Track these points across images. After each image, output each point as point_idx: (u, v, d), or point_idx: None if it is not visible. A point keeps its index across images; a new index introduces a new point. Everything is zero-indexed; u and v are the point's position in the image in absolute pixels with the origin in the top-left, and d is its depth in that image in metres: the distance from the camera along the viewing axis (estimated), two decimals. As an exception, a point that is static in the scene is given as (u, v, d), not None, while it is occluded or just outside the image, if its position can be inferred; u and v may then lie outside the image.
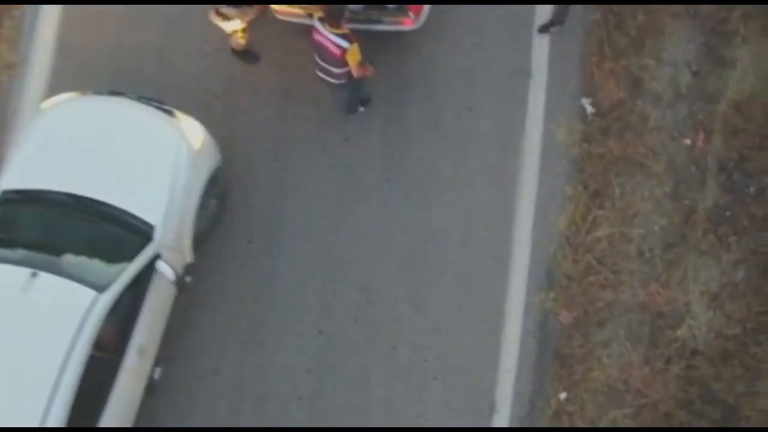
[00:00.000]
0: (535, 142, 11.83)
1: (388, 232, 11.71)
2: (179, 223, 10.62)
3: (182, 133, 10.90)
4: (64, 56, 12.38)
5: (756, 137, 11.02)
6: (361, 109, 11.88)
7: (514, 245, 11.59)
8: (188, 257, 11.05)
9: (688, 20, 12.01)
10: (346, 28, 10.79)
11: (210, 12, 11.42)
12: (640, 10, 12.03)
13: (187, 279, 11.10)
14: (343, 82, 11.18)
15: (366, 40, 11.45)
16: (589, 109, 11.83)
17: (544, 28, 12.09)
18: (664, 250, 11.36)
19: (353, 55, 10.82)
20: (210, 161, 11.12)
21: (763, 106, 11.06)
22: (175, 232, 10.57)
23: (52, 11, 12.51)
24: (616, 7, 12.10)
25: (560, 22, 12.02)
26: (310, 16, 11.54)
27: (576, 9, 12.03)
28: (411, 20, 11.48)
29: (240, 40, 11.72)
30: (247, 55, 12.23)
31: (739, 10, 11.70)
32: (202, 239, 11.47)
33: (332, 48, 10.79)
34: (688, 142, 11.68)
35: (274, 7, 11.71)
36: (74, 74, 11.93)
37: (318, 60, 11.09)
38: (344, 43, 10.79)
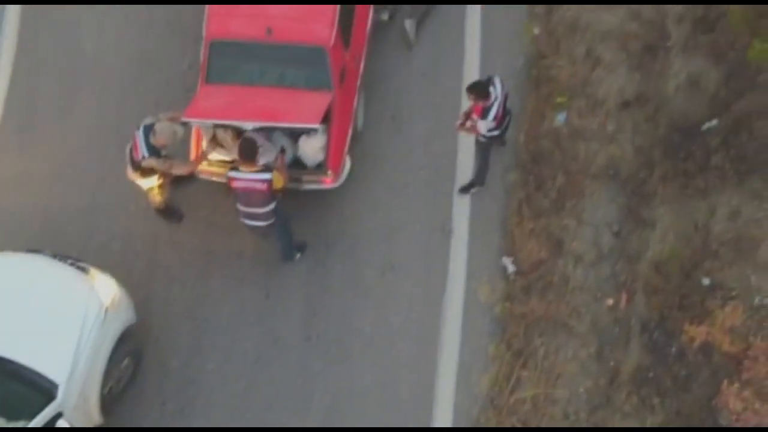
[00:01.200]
0: (456, 300, 11.45)
1: (307, 392, 11.12)
2: (85, 382, 10.10)
3: (93, 290, 10.42)
4: None
5: (675, 296, 10.79)
6: (298, 255, 11.35)
7: (436, 407, 10.95)
8: (96, 418, 10.45)
9: (608, 181, 11.87)
10: (260, 163, 10.40)
11: (127, 168, 11.30)
12: (559, 171, 12.00)
13: (98, 444, 10.50)
14: (271, 221, 10.68)
15: (289, 201, 11.34)
16: (511, 269, 11.60)
17: (464, 189, 11.92)
18: (590, 413, 10.83)
19: (278, 180, 10.37)
20: (122, 319, 10.63)
21: (680, 266, 10.90)
22: (80, 390, 10.03)
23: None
24: (536, 169, 11.98)
25: (480, 183, 11.91)
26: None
27: (496, 170, 11.93)
28: (330, 179, 11.38)
29: (157, 198, 11.46)
30: (169, 213, 11.94)
31: (658, 170, 11.72)
32: (113, 400, 10.91)
33: (258, 186, 10.30)
34: (610, 302, 11.34)
35: (199, 169, 11.59)
36: (-3, 233, 11.59)
37: (242, 208, 10.57)
38: (266, 176, 10.35)
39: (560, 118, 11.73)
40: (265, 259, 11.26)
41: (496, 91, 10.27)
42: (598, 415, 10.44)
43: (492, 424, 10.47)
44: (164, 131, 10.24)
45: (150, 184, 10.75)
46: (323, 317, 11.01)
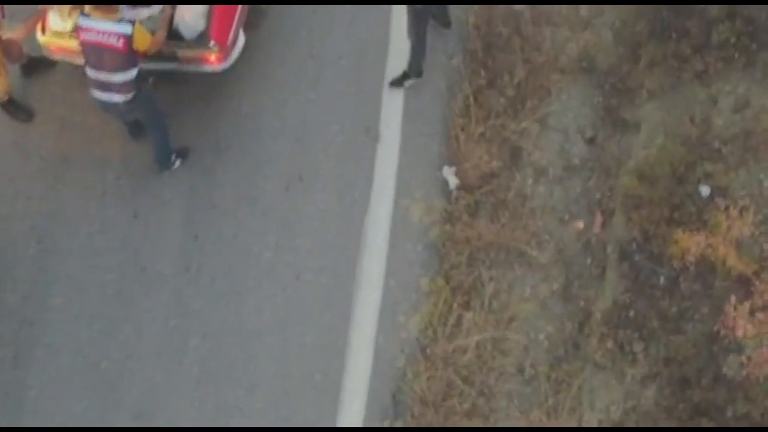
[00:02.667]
0: (382, 221, 8.82)
1: (181, 336, 8.51)
2: None
3: None
4: None
5: (664, 209, 8.18)
6: (177, 162, 8.83)
7: (350, 355, 8.40)
8: None
9: (580, 76, 9.28)
10: (120, 11, 7.88)
11: None
12: (519, 63, 9.37)
13: None
14: (131, 98, 8.17)
15: (167, 91, 8.67)
16: (453, 182, 8.95)
17: (396, 82, 9.30)
18: (552, 367, 8.23)
19: (143, 38, 7.95)
20: None
21: (671, 170, 8.28)
22: None
23: None
24: (489, 59, 9.36)
25: (416, 74, 9.28)
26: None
27: (439, 59, 9.34)
28: (215, 56, 8.66)
29: None
30: (15, 108, 9.28)
31: (644, 59, 9.10)
32: None
33: (112, 42, 7.85)
34: (581, 225, 8.76)
35: (43, 41, 8.88)
36: None
37: (92, 73, 8.08)
38: (125, 28, 7.86)
39: None
40: (135, 170, 8.72)
41: None
42: (562, 367, 7.93)
43: (423, 378, 7.86)
44: None
45: None
46: (207, 241, 8.39)
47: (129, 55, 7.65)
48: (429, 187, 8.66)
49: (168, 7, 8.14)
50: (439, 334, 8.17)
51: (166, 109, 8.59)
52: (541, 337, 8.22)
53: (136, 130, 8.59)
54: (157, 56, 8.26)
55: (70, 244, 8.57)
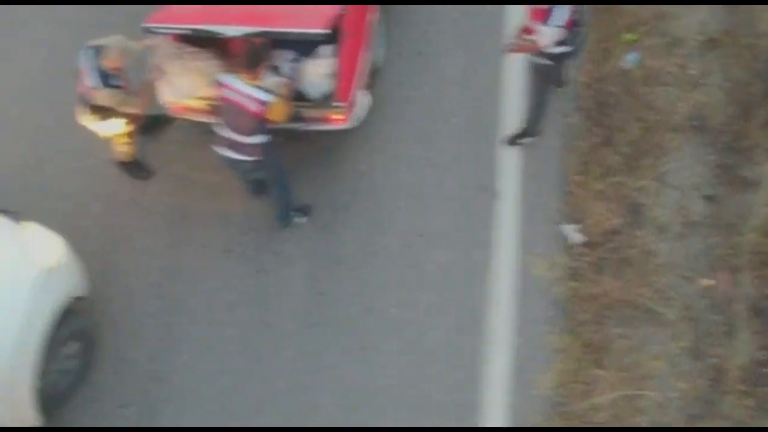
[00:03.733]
0: (505, 277, 8.84)
1: (311, 393, 8.47)
2: (13, 364, 7.38)
3: (26, 245, 7.84)
4: None
5: None
6: (300, 219, 8.87)
7: (483, 413, 8.35)
8: (29, 418, 7.68)
9: (693, 135, 9.40)
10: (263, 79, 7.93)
11: (84, 114, 8.66)
12: (632, 122, 9.49)
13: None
14: (258, 160, 8.16)
15: (290, 150, 8.74)
16: (576, 239, 8.99)
17: (512, 140, 9.42)
18: (688, 422, 8.26)
19: (278, 110, 7.95)
20: (68, 286, 7.96)
21: None
22: (7, 375, 7.31)
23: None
24: (603, 118, 9.49)
25: (533, 133, 9.40)
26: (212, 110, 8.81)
27: (553, 117, 9.49)
28: (340, 115, 8.77)
29: (124, 148, 8.90)
30: (137, 168, 9.35)
31: (757, 117, 9.22)
32: (57, 398, 8.16)
33: (251, 106, 7.85)
34: (706, 282, 8.84)
35: (165, 100, 8.99)
36: None
37: (223, 133, 8.05)
38: (266, 96, 7.88)
39: (631, 58, 9.30)
40: (257, 226, 8.68)
41: None
42: (699, 424, 7.69)
43: None
44: (113, 46, 7.67)
45: (114, 129, 8.10)
46: (331, 298, 8.36)
47: (263, 122, 7.72)
48: (550, 244, 8.69)
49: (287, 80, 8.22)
50: (573, 392, 8.08)
51: (288, 167, 8.61)
52: (675, 395, 8.16)
53: (257, 188, 8.64)
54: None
55: (194, 301, 8.54)
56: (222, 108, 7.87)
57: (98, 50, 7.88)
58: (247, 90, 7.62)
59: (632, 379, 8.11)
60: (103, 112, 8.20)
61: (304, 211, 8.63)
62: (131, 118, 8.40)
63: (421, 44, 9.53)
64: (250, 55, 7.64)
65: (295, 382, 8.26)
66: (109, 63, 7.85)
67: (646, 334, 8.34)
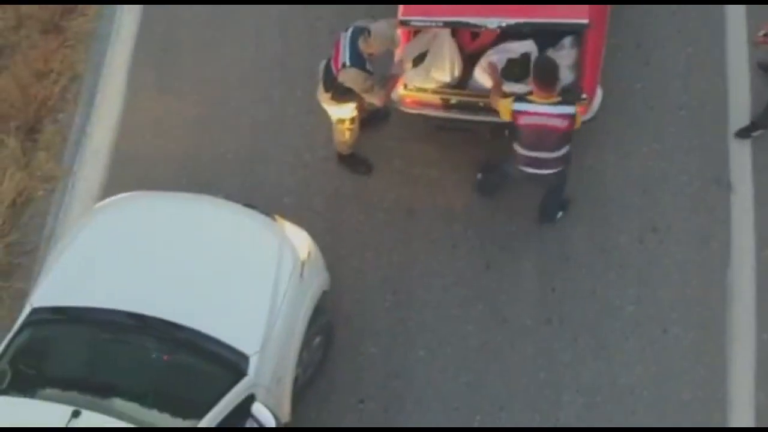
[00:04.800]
0: (746, 272, 8.67)
1: (553, 391, 8.40)
2: (280, 357, 7.41)
3: (286, 239, 7.88)
4: (120, 168, 9.58)
5: None
6: (560, 214, 8.81)
7: (731, 411, 8.24)
8: (286, 412, 7.74)
9: None
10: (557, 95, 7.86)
11: (319, 89, 8.68)
12: None
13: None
14: (561, 169, 8.18)
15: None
16: None
17: (743, 133, 9.27)
18: None
19: (579, 118, 7.95)
20: (319, 279, 8.00)
21: None
22: (273, 368, 7.31)
23: (108, 114, 9.85)
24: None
25: (764, 126, 9.24)
26: (448, 103, 8.80)
27: (784, 109, 9.25)
28: (582, 109, 8.67)
29: (345, 135, 8.86)
30: (356, 162, 9.35)
31: None
32: (297, 393, 8.23)
33: (557, 124, 7.79)
34: None
35: (401, 94, 8.97)
36: (132, 191, 9.01)
37: (525, 152, 8.03)
38: (569, 110, 7.81)
39: None
40: (480, 221, 8.66)
41: None
42: None
43: None
44: (381, 33, 7.65)
45: (343, 113, 8.14)
46: (565, 294, 8.26)
47: (568, 133, 7.67)
48: (789, 237, 8.45)
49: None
50: (822, 390, 7.88)
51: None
52: None
53: (490, 187, 8.54)
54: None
55: (426, 295, 8.51)
56: (525, 133, 7.83)
57: (362, 31, 7.81)
58: (551, 110, 7.64)
59: None
60: (342, 94, 8.12)
61: (564, 206, 8.50)
62: (361, 105, 8.34)
63: (640, 36, 9.38)
64: (545, 72, 7.59)
65: (536, 379, 8.16)
66: (370, 48, 7.79)
67: None
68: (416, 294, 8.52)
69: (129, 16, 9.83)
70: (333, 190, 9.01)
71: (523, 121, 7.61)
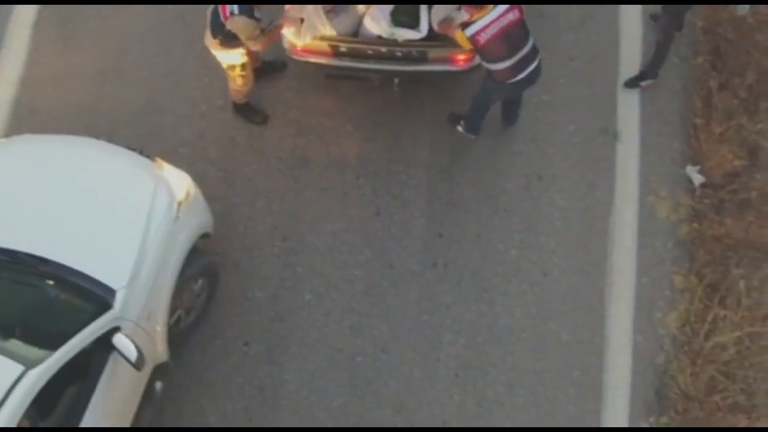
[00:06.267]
0: (628, 218, 8.78)
1: (434, 333, 8.48)
2: (150, 294, 7.44)
3: (162, 179, 7.91)
4: (19, 121, 9.55)
5: None
6: (459, 128, 8.88)
7: (608, 352, 8.32)
8: (161, 353, 7.74)
9: (815, 80, 9.28)
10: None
11: (206, 34, 8.70)
12: (749, 66, 9.36)
13: (158, 386, 7.81)
14: (539, 59, 8.37)
15: (405, 89, 8.75)
16: (698, 180, 8.91)
17: (632, 82, 9.32)
18: None
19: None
20: (198, 221, 7.98)
21: None
22: (144, 303, 7.37)
23: (11, 69, 9.83)
24: (718, 63, 9.42)
25: (653, 75, 9.31)
26: (337, 51, 8.82)
27: (671, 61, 9.38)
28: (466, 57, 8.69)
29: (238, 81, 8.88)
30: (252, 112, 9.34)
31: None
32: (181, 335, 8.24)
33: (513, 18, 7.93)
34: None
35: (291, 42, 8.99)
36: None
37: (511, 62, 8.06)
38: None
39: (743, 5, 9.04)
40: (373, 170, 8.73)
41: None
42: None
43: (685, 375, 7.65)
44: None
45: (232, 59, 8.19)
46: (451, 239, 8.34)
47: (524, 22, 7.77)
48: (673, 186, 8.61)
49: None
50: (698, 331, 8.03)
51: (406, 112, 8.60)
52: (798, 333, 8.01)
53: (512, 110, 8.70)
54: (406, 58, 8.28)
55: (316, 242, 8.56)
56: (495, 45, 7.85)
57: None
58: (498, 12, 7.76)
59: (756, 318, 8.05)
60: (231, 39, 8.14)
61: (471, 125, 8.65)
62: (250, 53, 8.36)
63: (534, -10, 9.43)
64: None
65: (418, 321, 8.22)
66: None
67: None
68: (306, 240, 8.55)
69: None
70: (228, 139, 9.02)
71: (484, 38, 7.70)
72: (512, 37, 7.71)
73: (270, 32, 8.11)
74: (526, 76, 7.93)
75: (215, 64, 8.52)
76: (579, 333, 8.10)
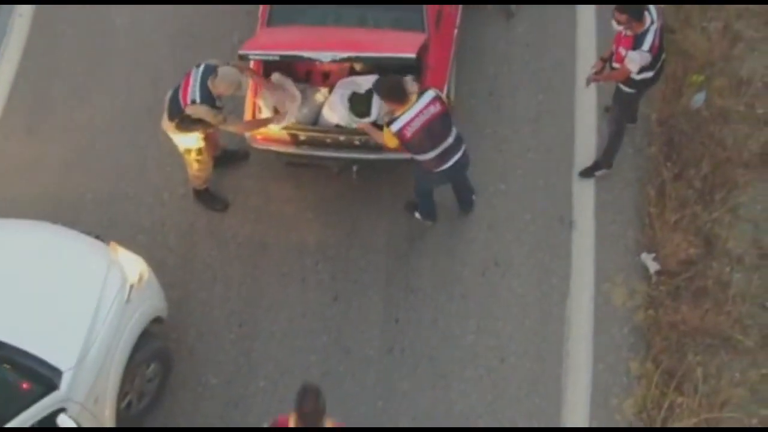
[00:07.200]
0: (584, 305, 8.77)
1: (390, 420, 8.32)
2: (98, 376, 7.33)
3: (114, 263, 7.87)
4: None
5: None
6: (417, 215, 8.96)
7: (564, 439, 8.22)
8: None
9: (765, 171, 9.47)
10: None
11: (163, 118, 8.81)
12: (704, 158, 9.49)
13: (106, 472, 7.63)
14: (464, 147, 8.61)
15: (363, 176, 8.83)
16: (653, 267, 8.94)
17: (587, 172, 9.44)
18: None
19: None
20: (150, 305, 7.89)
21: None
22: (91, 385, 7.26)
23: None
24: (674, 154, 9.56)
25: (608, 165, 9.44)
26: (297, 140, 8.95)
27: (625, 151, 9.53)
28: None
29: (194, 165, 8.96)
30: (212, 199, 9.39)
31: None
32: (131, 421, 8.10)
33: (435, 110, 8.15)
34: None
35: (252, 133, 9.11)
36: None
37: (435, 153, 8.27)
38: (432, 93, 8.16)
39: (698, 98, 9.36)
40: (332, 255, 8.73)
41: (652, 15, 7.87)
42: None
43: None
44: (228, 77, 7.88)
45: (187, 142, 8.31)
46: (408, 325, 8.34)
47: (448, 113, 7.98)
48: (628, 273, 8.62)
49: None
50: (655, 418, 7.93)
51: (362, 199, 8.67)
52: (755, 421, 7.96)
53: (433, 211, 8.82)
54: (364, 146, 8.40)
55: (272, 327, 8.52)
56: (418, 139, 7.99)
57: (213, 71, 7.99)
58: (420, 105, 7.93)
59: (712, 405, 7.95)
60: (187, 123, 8.23)
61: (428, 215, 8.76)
62: (207, 138, 8.43)
63: (493, 85, 9.63)
64: (395, 90, 7.97)
65: (373, 408, 8.13)
66: (217, 89, 7.97)
67: (725, 361, 8.18)
68: (262, 326, 8.50)
69: (6, 66, 9.93)
70: (188, 226, 9.05)
71: (409, 132, 7.80)
72: (434, 130, 7.88)
73: (258, 122, 8.21)
74: (452, 165, 8.09)
75: (178, 153, 8.57)
76: (535, 419, 7.99)
